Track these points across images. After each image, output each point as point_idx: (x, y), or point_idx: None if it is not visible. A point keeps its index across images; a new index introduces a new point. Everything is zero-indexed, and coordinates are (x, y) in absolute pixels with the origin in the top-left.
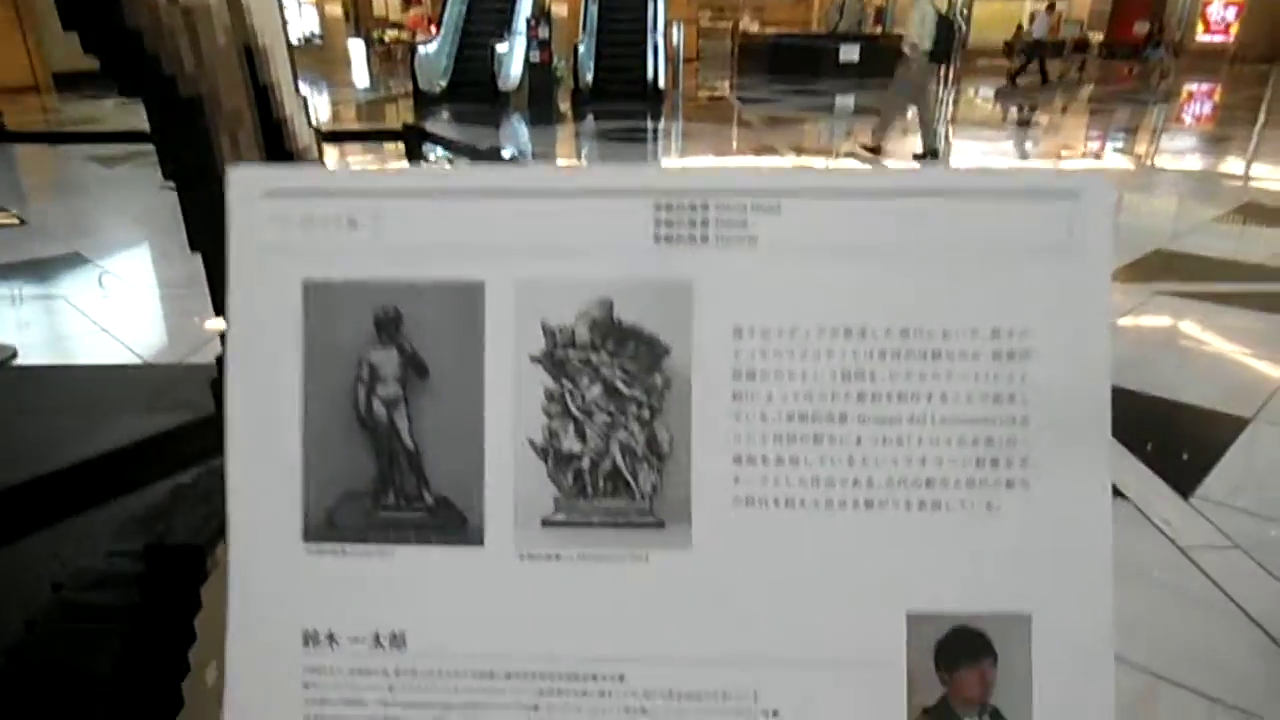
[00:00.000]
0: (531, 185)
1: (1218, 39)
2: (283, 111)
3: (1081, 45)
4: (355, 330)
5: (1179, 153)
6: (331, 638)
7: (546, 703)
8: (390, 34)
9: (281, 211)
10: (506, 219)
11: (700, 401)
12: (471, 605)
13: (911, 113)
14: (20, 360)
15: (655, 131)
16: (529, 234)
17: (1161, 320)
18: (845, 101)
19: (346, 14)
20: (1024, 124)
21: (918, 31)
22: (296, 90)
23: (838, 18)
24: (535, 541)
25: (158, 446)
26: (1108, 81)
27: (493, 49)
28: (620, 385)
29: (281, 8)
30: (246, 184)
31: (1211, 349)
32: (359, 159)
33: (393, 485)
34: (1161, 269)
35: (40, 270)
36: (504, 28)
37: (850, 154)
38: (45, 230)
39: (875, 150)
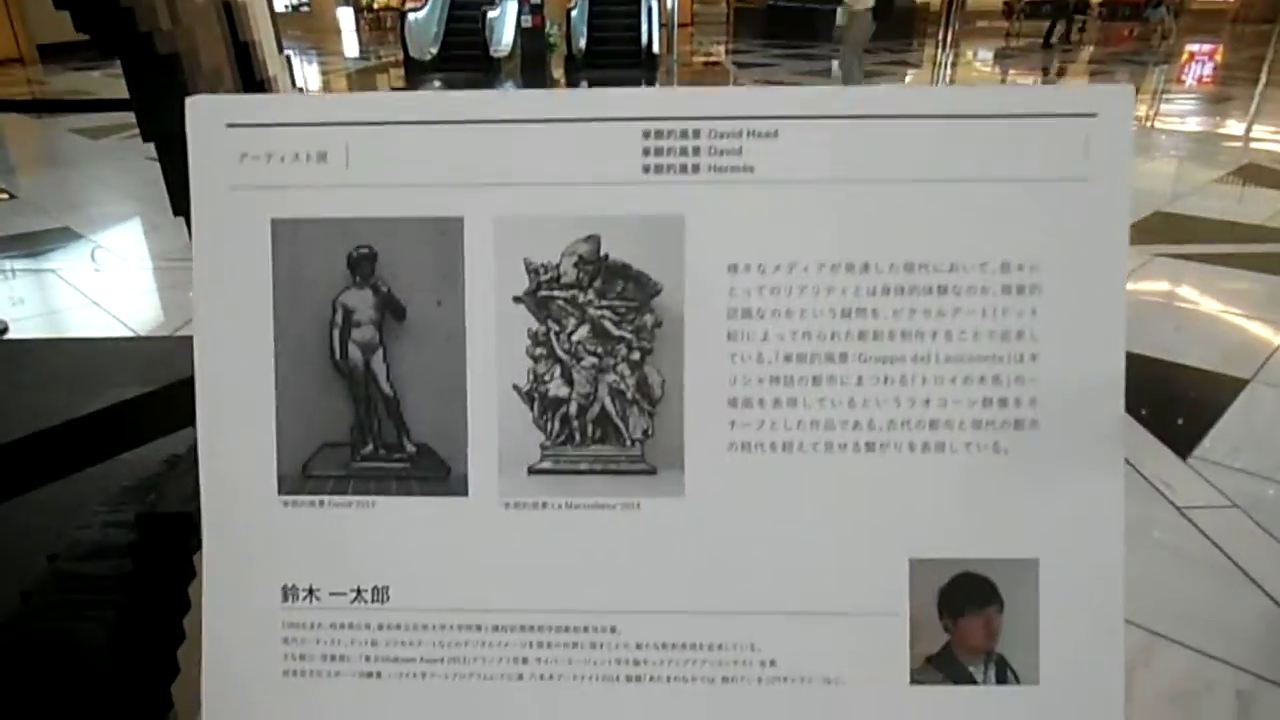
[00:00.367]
0: (512, 112)
1: None
2: (265, 71)
3: (1082, 6)
4: (328, 271)
5: (1179, 114)
6: (311, 592)
7: (535, 655)
8: (380, 0)
9: (246, 144)
10: (486, 150)
11: (693, 342)
12: (456, 557)
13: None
14: (11, 334)
15: None
16: (510, 166)
17: (1161, 282)
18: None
19: None
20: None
21: None
22: (280, 50)
23: None
24: (521, 490)
25: (150, 407)
26: (1108, 42)
27: (484, 14)
28: (609, 326)
29: None
30: (207, 114)
31: (1210, 310)
32: None
33: (371, 434)
34: (1161, 231)
35: (30, 244)
36: None
37: None
38: (34, 204)
39: None
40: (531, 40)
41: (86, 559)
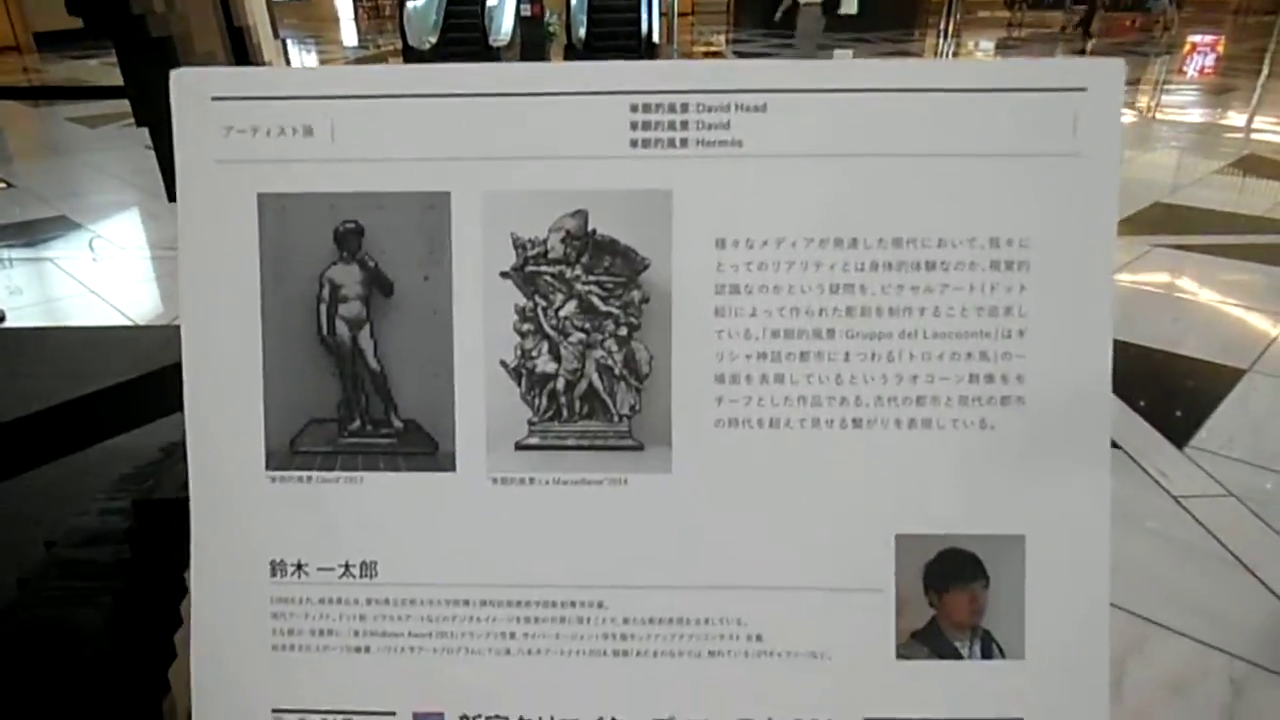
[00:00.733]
0: (499, 86)
1: None
2: (259, 56)
3: None
4: (314, 246)
5: (1181, 105)
6: (300, 567)
7: (523, 630)
8: None
9: (231, 118)
10: (473, 124)
11: (680, 318)
12: (444, 532)
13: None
14: (9, 323)
15: None
16: (497, 140)
17: (1160, 273)
18: (843, 55)
19: None
20: None
21: None
22: (275, 35)
23: None
24: (509, 465)
25: (145, 390)
26: (1110, 34)
27: (483, 3)
28: (596, 301)
29: None
30: (191, 87)
31: (1209, 301)
32: None
33: (359, 410)
34: (1161, 222)
35: (28, 233)
36: None
37: None
38: (31, 192)
39: None
40: (531, 29)
41: (84, 546)
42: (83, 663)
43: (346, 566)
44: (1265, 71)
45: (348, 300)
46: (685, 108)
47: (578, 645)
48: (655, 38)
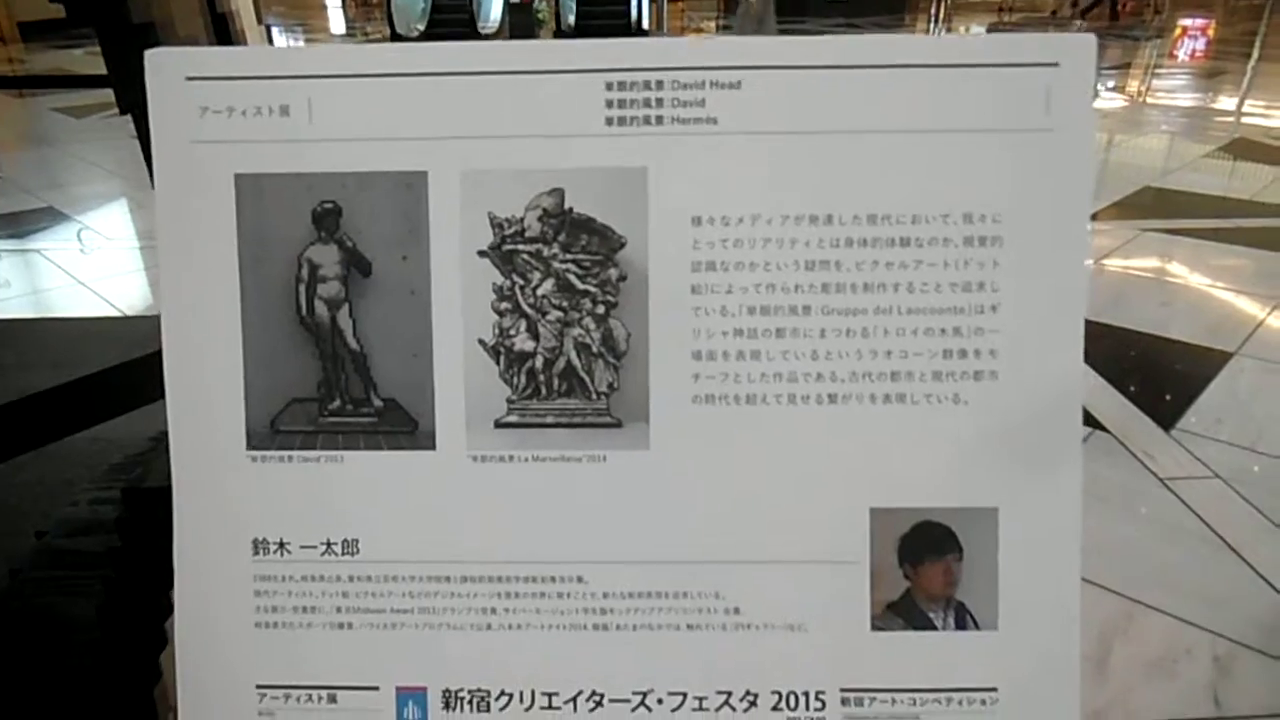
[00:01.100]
0: (475, 65)
1: None
2: (243, 43)
3: None
4: (292, 226)
5: (1171, 90)
6: (282, 545)
7: (504, 606)
8: None
9: (206, 98)
10: (449, 103)
11: (657, 295)
12: (424, 510)
13: None
14: None
15: None
16: (473, 119)
17: (1149, 257)
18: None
19: None
20: None
21: None
22: (259, 21)
23: None
24: (488, 443)
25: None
26: (1100, 17)
27: None
28: (574, 279)
29: None
30: (166, 67)
31: (1198, 284)
32: None
33: (338, 389)
34: (1150, 206)
35: (13, 224)
36: None
37: None
38: (16, 183)
39: None
40: (520, 16)
41: (74, 535)
42: (74, 652)
43: (328, 544)
44: (1255, 55)
45: (326, 280)
46: (660, 85)
47: (558, 620)
48: (645, 24)
